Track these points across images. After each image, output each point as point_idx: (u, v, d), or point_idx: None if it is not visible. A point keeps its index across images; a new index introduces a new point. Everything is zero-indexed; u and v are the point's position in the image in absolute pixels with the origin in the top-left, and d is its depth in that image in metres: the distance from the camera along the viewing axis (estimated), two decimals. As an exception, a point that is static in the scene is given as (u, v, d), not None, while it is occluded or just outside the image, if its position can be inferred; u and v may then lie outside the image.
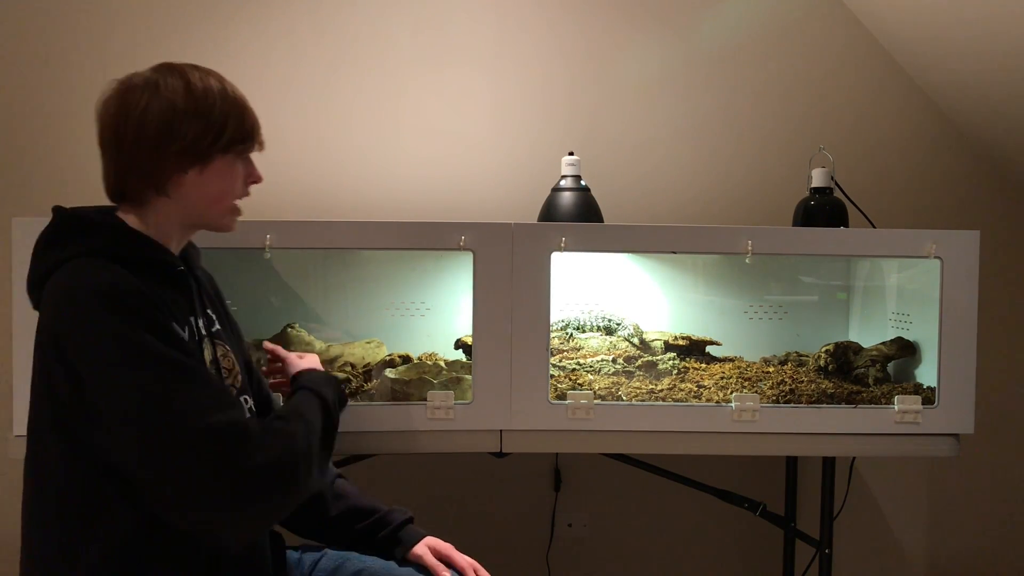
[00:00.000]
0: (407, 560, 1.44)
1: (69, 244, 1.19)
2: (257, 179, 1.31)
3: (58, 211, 1.25)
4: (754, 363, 2.00)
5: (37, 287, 1.22)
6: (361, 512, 1.48)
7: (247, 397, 1.37)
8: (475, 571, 1.44)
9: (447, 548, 1.46)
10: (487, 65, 2.29)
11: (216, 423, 1.10)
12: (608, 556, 2.38)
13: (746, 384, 1.86)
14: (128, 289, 1.13)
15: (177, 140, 1.22)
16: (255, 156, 1.33)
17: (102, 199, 1.29)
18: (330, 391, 1.41)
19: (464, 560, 1.45)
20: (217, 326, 1.37)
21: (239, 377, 1.36)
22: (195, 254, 1.39)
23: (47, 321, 1.15)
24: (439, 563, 1.42)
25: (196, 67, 1.28)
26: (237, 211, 1.31)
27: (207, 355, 1.30)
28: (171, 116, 1.22)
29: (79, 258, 1.17)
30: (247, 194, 1.32)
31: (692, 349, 2.00)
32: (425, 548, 1.45)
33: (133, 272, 1.18)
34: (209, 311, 1.36)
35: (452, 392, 1.75)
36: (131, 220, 1.25)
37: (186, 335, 1.23)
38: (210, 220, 1.29)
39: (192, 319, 1.29)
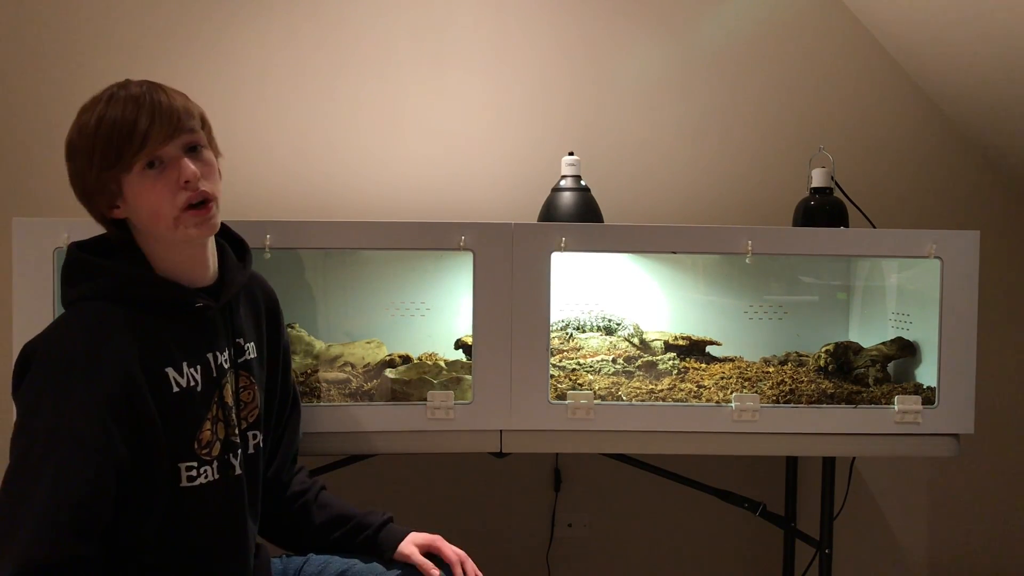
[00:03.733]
0: (394, 561, 1.42)
1: (78, 284, 1.24)
2: (187, 176, 1.21)
3: (70, 250, 1.27)
4: (754, 363, 2.00)
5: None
6: (341, 519, 1.46)
7: (257, 432, 1.37)
8: (462, 563, 1.42)
9: (435, 540, 1.44)
10: (487, 65, 2.29)
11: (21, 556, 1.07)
12: (608, 556, 2.38)
13: (746, 384, 1.86)
14: (84, 364, 1.15)
15: (75, 182, 1.24)
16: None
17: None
18: None
19: (452, 552, 1.43)
20: (251, 355, 1.37)
21: (256, 411, 1.37)
22: (236, 276, 1.34)
23: (21, 355, 1.20)
24: (427, 561, 1.40)
25: (115, 85, 1.25)
26: (190, 220, 1.22)
27: (230, 388, 1.31)
28: (66, 161, 1.24)
29: (85, 300, 1.22)
30: (194, 195, 1.22)
31: (692, 349, 2.01)
32: (412, 547, 1.42)
33: (139, 312, 1.22)
34: (241, 340, 1.35)
35: (452, 392, 1.75)
36: (146, 248, 1.26)
37: (196, 375, 1.25)
38: (169, 236, 1.23)
39: (212, 354, 1.28)
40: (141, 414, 1.18)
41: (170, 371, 1.23)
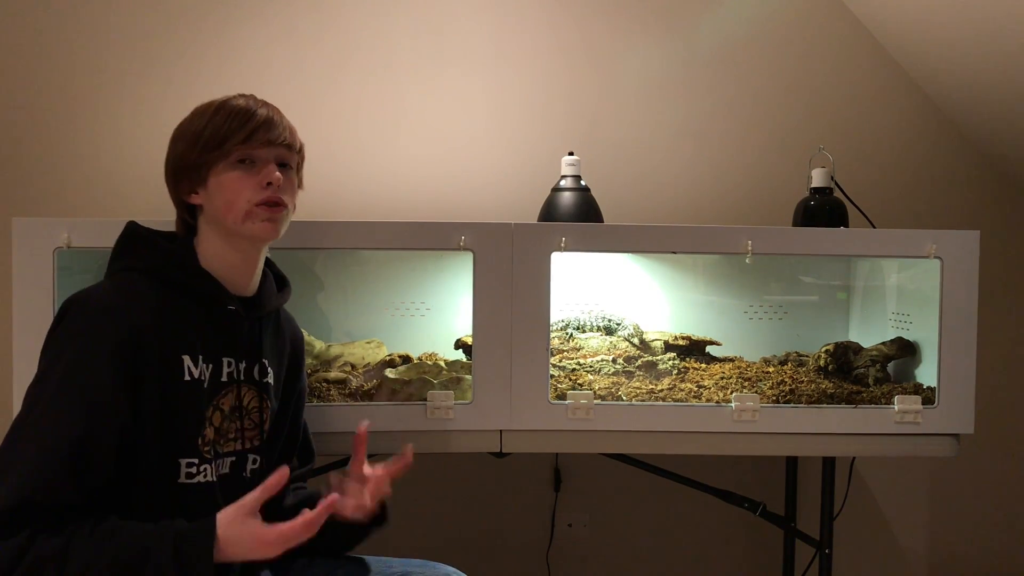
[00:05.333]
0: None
1: (125, 256, 1.30)
2: (269, 179, 1.29)
3: (128, 225, 1.34)
4: (754, 363, 2.00)
5: None
6: (311, 497, 1.44)
7: (257, 457, 1.37)
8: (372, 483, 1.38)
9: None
10: (487, 65, 2.29)
11: (26, 493, 1.10)
12: (608, 556, 2.38)
13: (746, 384, 1.86)
14: (105, 322, 1.19)
15: (168, 163, 1.32)
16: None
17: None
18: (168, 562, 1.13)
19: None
20: (270, 380, 1.39)
21: (261, 434, 1.38)
22: (272, 298, 1.39)
23: (60, 309, 1.24)
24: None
25: (237, 96, 1.33)
26: (260, 214, 1.29)
27: (230, 400, 1.32)
28: (170, 144, 1.33)
29: (128, 272, 1.28)
30: (272, 196, 1.30)
31: (692, 349, 2.00)
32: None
33: (174, 295, 1.26)
34: (266, 360, 1.38)
35: (452, 392, 1.75)
36: (201, 247, 1.32)
37: (207, 372, 1.27)
38: (236, 230, 1.29)
39: (228, 359, 1.31)
40: (146, 386, 1.20)
41: (186, 358, 1.25)
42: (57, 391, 1.16)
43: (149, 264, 1.28)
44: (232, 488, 1.33)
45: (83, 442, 1.14)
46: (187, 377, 1.25)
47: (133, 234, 1.32)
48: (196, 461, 1.25)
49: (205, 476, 1.26)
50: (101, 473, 1.16)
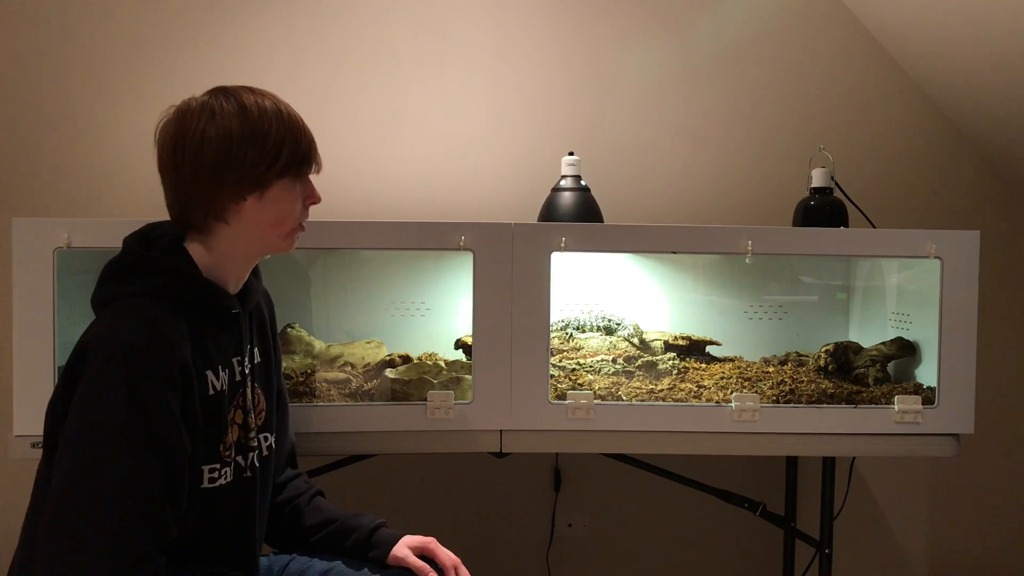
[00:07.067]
0: (387, 565, 1.40)
1: (129, 281, 1.22)
2: (316, 200, 1.31)
3: (126, 245, 1.27)
4: (754, 363, 2.00)
5: (97, 308, 1.24)
6: (330, 521, 1.45)
7: (268, 435, 1.38)
8: (456, 569, 1.40)
9: (428, 543, 1.41)
10: (487, 65, 2.29)
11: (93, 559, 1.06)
12: (608, 556, 2.38)
13: (746, 384, 1.86)
14: (152, 356, 1.14)
15: (234, 168, 1.22)
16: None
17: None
18: None
19: (446, 556, 1.40)
20: (258, 360, 1.39)
21: (264, 414, 1.39)
22: (256, 282, 1.39)
23: (79, 349, 1.16)
24: (423, 563, 1.38)
25: (251, 89, 1.28)
26: (297, 231, 1.32)
27: (244, 394, 1.33)
28: (227, 144, 1.22)
29: (134, 296, 1.20)
30: (306, 216, 1.33)
31: (692, 349, 2.01)
32: (406, 549, 1.40)
33: (185, 313, 1.22)
34: (256, 347, 1.39)
35: (452, 392, 1.75)
36: (197, 250, 1.27)
37: (226, 378, 1.27)
38: (271, 244, 1.29)
39: (237, 359, 1.31)
40: (189, 412, 1.20)
41: (209, 374, 1.25)
42: (123, 433, 1.10)
43: (160, 285, 1.22)
44: (259, 469, 1.35)
45: (170, 476, 1.14)
46: (211, 391, 1.25)
47: (138, 254, 1.24)
48: (218, 466, 1.26)
49: (225, 478, 1.27)
50: (185, 499, 1.18)
